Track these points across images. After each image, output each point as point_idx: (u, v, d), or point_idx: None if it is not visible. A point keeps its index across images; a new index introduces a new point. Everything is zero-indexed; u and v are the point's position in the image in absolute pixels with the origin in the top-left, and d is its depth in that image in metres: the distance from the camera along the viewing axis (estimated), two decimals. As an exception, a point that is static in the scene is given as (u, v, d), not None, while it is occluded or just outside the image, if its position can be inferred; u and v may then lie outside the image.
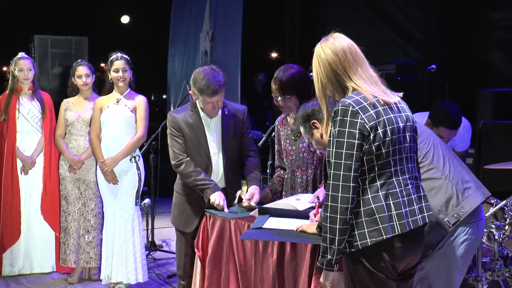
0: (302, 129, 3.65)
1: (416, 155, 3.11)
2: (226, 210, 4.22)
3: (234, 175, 4.61)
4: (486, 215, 4.43)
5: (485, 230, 4.36)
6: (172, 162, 4.52)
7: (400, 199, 2.88)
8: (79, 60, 6.11)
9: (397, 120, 2.92)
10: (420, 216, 2.94)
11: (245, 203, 4.27)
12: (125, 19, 12.20)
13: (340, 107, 2.85)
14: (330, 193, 2.81)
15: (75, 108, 5.90)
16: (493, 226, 4.36)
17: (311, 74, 4.54)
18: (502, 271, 4.30)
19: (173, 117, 4.55)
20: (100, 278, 5.67)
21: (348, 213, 2.80)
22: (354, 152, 2.80)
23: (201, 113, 4.52)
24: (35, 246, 6.13)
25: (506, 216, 4.48)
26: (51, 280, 6.03)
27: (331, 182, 2.82)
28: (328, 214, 2.81)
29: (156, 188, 6.86)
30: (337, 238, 2.80)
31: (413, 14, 9.09)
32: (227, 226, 4.07)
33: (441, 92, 7.76)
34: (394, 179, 2.90)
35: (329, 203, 2.81)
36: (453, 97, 7.61)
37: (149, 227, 6.91)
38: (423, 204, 2.98)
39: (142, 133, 5.57)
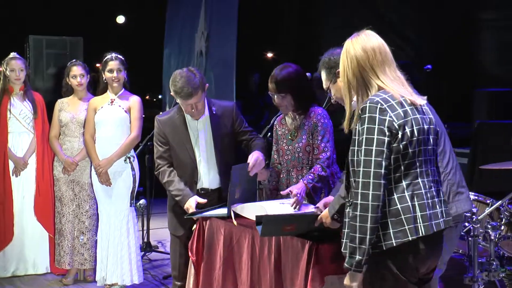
0: (324, 74, 3.61)
1: (437, 159, 3.08)
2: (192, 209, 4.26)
3: (229, 174, 4.59)
4: (482, 215, 4.43)
5: (481, 231, 4.37)
6: (155, 172, 4.59)
7: (425, 201, 2.85)
8: (74, 60, 6.08)
9: (422, 122, 2.90)
10: (442, 220, 2.91)
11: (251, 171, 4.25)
12: (120, 19, 12.17)
13: (368, 104, 2.82)
14: (360, 191, 2.76)
15: (69, 109, 5.88)
16: (489, 226, 4.35)
17: (308, 73, 4.54)
18: (498, 271, 4.30)
19: (158, 122, 4.58)
20: (95, 280, 5.65)
21: (379, 211, 2.75)
22: (384, 149, 2.77)
23: (187, 117, 4.51)
24: (29, 248, 6.11)
25: (502, 216, 4.48)
26: (46, 281, 6.00)
27: (360, 179, 2.77)
28: (358, 213, 2.75)
29: (152, 189, 6.83)
30: (368, 237, 2.74)
31: (407, 15, 9.10)
32: (222, 231, 4.06)
33: (438, 92, 7.78)
34: (419, 180, 2.87)
35: (359, 201, 2.75)
36: (449, 97, 7.62)
37: (145, 228, 6.89)
38: (443, 209, 2.96)
39: (136, 134, 5.55)
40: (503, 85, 7.26)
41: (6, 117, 5.95)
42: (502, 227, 4.45)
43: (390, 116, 2.80)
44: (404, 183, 2.83)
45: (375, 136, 2.77)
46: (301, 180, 4.19)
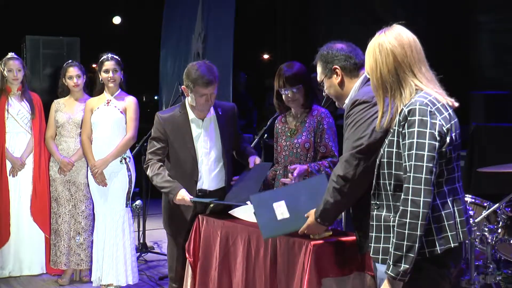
0: (319, 67, 3.51)
1: None
2: (188, 198, 4.21)
3: (231, 173, 4.59)
4: (479, 218, 4.43)
5: (478, 233, 4.37)
6: (143, 166, 4.52)
7: (462, 206, 2.78)
8: (70, 60, 6.07)
9: (458, 125, 2.81)
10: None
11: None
12: (117, 20, 12.16)
13: (418, 107, 2.66)
14: (410, 197, 2.63)
15: (65, 109, 5.87)
16: (486, 229, 4.36)
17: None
18: (495, 274, 4.31)
19: (160, 118, 4.50)
20: (91, 280, 5.64)
21: (427, 218, 2.64)
22: (435, 155, 2.64)
23: (190, 115, 4.48)
24: (25, 248, 6.09)
25: (499, 219, 4.48)
26: (42, 282, 5.99)
27: (410, 185, 2.64)
28: (408, 220, 2.63)
29: (148, 190, 6.83)
30: (416, 245, 2.63)
31: (403, 16, 9.11)
32: (219, 232, 4.05)
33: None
34: (457, 185, 2.79)
35: (409, 208, 2.63)
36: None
37: (141, 228, 6.88)
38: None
39: (132, 134, 5.54)
40: (500, 87, 7.27)
41: (4, 117, 5.94)
42: (499, 230, 4.45)
43: (440, 120, 2.67)
44: (446, 189, 2.73)
45: (427, 141, 2.64)
46: (307, 164, 4.20)
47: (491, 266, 4.32)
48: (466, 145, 6.17)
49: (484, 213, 4.46)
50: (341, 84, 3.43)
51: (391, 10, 9.21)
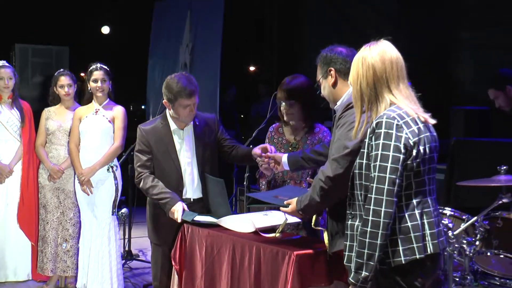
0: (318, 67, 3.58)
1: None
2: (179, 219, 4.25)
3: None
4: (458, 231, 4.52)
5: (456, 245, 4.46)
6: (135, 180, 4.53)
7: (433, 219, 2.85)
8: (61, 69, 6.08)
9: (431, 139, 2.89)
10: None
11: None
12: (105, 29, 12.19)
13: (384, 120, 2.79)
14: (372, 207, 2.74)
15: (56, 117, 5.91)
16: (464, 241, 4.44)
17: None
18: (472, 285, 4.39)
19: (142, 131, 4.54)
20: (76, 287, 5.67)
21: (389, 228, 2.73)
22: (399, 167, 2.74)
23: (172, 126, 4.54)
24: (10, 255, 6.09)
25: (477, 232, 4.56)
26: (27, 288, 6.02)
27: (373, 196, 2.75)
28: (369, 229, 2.73)
29: (134, 198, 6.87)
30: (376, 254, 2.73)
31: (386, 32, 9.19)
32: (204, 240, 4.08)
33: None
34: (428, 198, 2.87)
35: (370, 218, 2.73)
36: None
37: (126, 236, 6.92)
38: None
39: (120, 143, 5.59)
40: (480, 103, 7.37)
41: (-7, 124, 5.97)
42: (477, 243, 4.52)
43: (406, 133, 2.77)
44: (414, 201, 2.82)
45: (391, 153, 2.74)
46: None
47: (468, 277, 4.40)
48: (447, 159, 6.25)
49: (463, 225, 4.55)
50: (334, 85, 3.49)
51: (375, 26, 9.31)
